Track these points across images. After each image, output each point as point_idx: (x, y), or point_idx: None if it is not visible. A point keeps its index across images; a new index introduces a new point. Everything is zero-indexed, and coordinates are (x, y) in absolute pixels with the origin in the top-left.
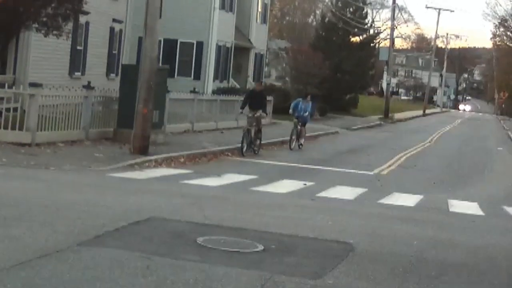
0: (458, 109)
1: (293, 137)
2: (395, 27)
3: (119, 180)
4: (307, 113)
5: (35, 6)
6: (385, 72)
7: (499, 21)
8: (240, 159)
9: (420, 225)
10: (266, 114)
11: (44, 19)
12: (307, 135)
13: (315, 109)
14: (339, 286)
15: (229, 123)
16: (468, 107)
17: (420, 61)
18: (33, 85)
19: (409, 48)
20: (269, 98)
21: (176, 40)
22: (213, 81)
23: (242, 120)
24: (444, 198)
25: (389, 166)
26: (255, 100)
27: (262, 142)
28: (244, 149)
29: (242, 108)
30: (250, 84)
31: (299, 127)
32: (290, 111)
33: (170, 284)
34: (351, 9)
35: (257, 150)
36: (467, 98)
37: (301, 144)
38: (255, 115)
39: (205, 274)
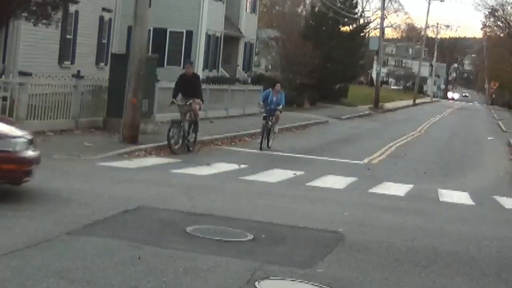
0: (447, 97)
1: (264, 135)
2: (385, 17)
3: (109, 169)
4: (280, 106)
5: None
6: (375, 62)
7: (490, 11)
8: (228, 148)
9: (410, 214)
10: (202, 101)
11: (34, 8)
12: (294, 124)
13: (285, 101)
14: (329, 275)
15: (218, 113)
16: (456, 95)
17: (410, 50)
18: (23, 74)
19: (399, 37)
20: (257, 87)
21: (166, 29)
22: (203, 70)
23: (233, 109)
24: (434, 187)
25: (379, 155)
26: (187, 86)
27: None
28: (177, 145)
29: (174, 97)
30: (240, 73)
31: (270, 123)
32: (260, 103)
33: (160, 273)
34: None
35: (191, 147)
36: (464, 95)
37: (273, 137)
38: (188, 104)
39: (194, 263)
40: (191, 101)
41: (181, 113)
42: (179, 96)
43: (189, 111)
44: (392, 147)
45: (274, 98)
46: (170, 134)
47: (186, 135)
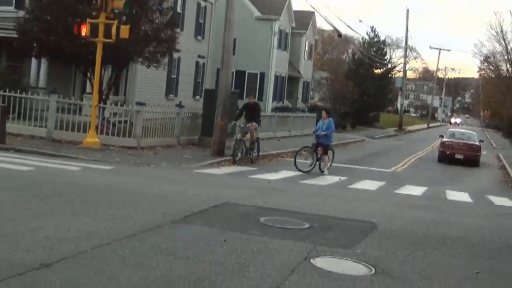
0: (450, 122)
1: (307, 154)
2: (407, 62)
3: (202, 175)
4: (324, 133)
5: (140, 46)
6: (399, 96)
7: (484, 58)
8: (290, 159)
9: (425, 209)
10: (259, 125)
11: (147, 55)
12: (339, 142)
13: (334, 126)
14: (365, 254)
15: (284, 133)
16: (458, 120)
17: (425, 87)
18: (139, 104)
19: (417, 77)
20: (312, 114)
21: (245, 71)
22: (272, 101)
23: (294, 131)
24: (443, 189)
25: (403, 165)
26: (249, 112)
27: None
28: (238, 157)
29: (236, 119)
30: (299, 104)
31: (316, 153)
32: (314, 131)
33: (240, 252)
34: (374, 49)
35: (254, 159)
36: (466, 116)
37: (321, 170)
38: (247, 126)
39: (265, 245)
40: (249, 124)
41: (242, 133)
42: (242, 119)
43: (247, 132)
44: (412, 159)
45: (322, 125)
46: (235, 149)
47: (247, 150)
